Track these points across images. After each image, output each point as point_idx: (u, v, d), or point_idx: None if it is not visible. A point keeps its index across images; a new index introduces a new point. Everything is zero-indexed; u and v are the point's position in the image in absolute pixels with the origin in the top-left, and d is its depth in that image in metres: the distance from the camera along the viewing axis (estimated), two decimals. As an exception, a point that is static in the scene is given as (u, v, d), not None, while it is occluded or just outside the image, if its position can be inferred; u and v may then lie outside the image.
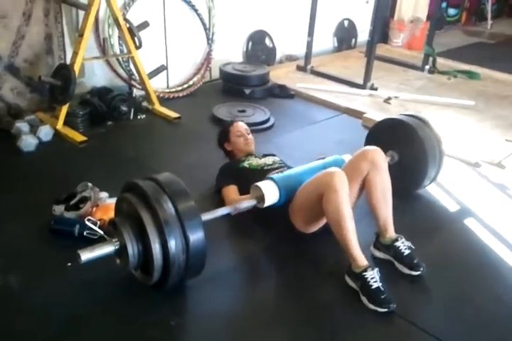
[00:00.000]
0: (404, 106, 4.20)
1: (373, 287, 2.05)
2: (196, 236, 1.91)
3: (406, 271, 2.25)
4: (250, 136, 2.90)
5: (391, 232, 2.33)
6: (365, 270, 2.09)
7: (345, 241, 2.13)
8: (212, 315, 2.01)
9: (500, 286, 2.25)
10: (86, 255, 1.88)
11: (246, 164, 2.70)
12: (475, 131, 3.82)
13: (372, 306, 2.04)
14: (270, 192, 2.32)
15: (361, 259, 2.13)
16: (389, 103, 4.28)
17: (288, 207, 2.39)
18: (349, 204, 2.16)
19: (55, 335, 1.87)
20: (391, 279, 2.23)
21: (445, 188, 3.03)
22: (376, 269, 2.10)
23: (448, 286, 2.24)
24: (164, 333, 1.90)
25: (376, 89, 4.48)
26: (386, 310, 2.02)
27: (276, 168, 2.62)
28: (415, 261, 2.24)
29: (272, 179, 2.37)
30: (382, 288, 2.05)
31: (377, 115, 3.78)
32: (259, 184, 2.34)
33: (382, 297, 2.03)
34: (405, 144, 2.79)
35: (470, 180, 3.19)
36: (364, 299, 2.07)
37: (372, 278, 2.07)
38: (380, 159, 2.36)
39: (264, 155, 2.81)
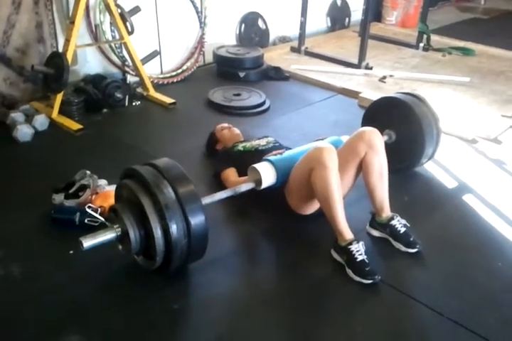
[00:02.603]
0: (400, 85, 4.18)
1: (358, 259, 2.09)
2: (197, 220, 1.92)
3: (403, 248, 2.27)
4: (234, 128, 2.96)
5: (387, 211, 2.35)
6: (351, 243, 2.13)
7: (332, 216, 2.16)
8: (214, 298, 2.03)
9: (499, 260, 2.27)
10: (88, 242, 1.90)
11: (240, 147, 2.72)
12: (471, 108, 3.81)
13: (357, 278, 2.08)
14: (267, 174, 2.34)
15: (347, 233, 2.16)
16: (384, 82, 4.26)
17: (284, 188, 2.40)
18: (338, 179, 2.17)
19: (58, 322, 1.89)
20: (389, 256, 2.27)
21: (442, 165, 3.04)
22: (361, 242, 2.15)
23: (447, 262, 2.26)
24: (168, 316, 1.93)
25: (371, 69, 4.46)
26: (371, 281, 2.06)
27: (271, 148, 2.63)
28: (411, 239, 2.27)
29: (269, 160, 2.39)
30: (366, 261, 2.10)
31: (373, 94, 3.77)
32: (257, 165, 2.35)
33: (367, 269, 2.08)
34: (402, 122, 2.79)
35: (467, 156, 3.19)
36: (349, 272, 2.11)
37: (357, 251, 2.11)
38: (376, 140, 2.36)
39: (258, 139, 2.82)
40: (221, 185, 2.60)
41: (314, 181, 2.18)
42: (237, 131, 2.96)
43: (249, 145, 2.72)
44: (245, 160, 2.54)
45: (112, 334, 1.86)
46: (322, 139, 2.63)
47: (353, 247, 2.12)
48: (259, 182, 2.34)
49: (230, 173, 2.63)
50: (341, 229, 2.16)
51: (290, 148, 2.64)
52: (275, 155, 2.46)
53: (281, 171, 2.36)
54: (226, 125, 3.01)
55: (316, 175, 2.17)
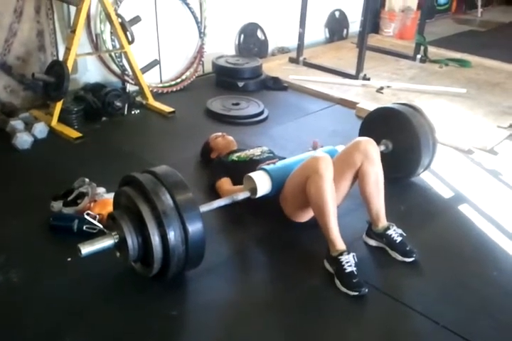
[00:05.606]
0: (397, 96, 4.22)
1: (347, 271, 2.09)
2: (195, 227, 1.94)
3: (399, 257, 2.29)
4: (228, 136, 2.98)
5: (383, 221, 2.36)
6: (341, 254, 2.13)
7: (325, 225, 2.17)
8: (211, 304, 2.04)
9: (495, 270, 2.29)
10: (86, 249, 1.91)
11: (235, 157, 2.74)
12: (467, 119, 3.84)
13: (344, 289, 2.08)
14: (262, 183, 2.36)
15: (339, 243, 2.17)
16: (382, 93, 4.30)
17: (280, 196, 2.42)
18: (333, 189, 2.19)
19: (56, 328, 1.90)
20: (385, 265, 2.28)
21: (439, 175, 3.06)
22: (352, 254, 2.14)
23: (443, 271, 2.27)
24: (166, 323, 1.93)
25: (369, 79, 4.50)
26: (357, 293, 2.06)
27: (266, 158, 2.64)
28: (408, 248, 2.29)
29: (264, 169, 2.40)
30: (355, 273, 2.10)
31: (370, 105, 3.80)
32: (252, 174, 2.37)
33: (354, 281, 2.08)
34: (399, 133, 2.82)
35: (463, 166, 3.21)
36: (337, 282, 2.11)
37: (347, 262, 2.11)
38: (372, 150, 2.37)
39: (252, 148, 2.83)
40: (218, 195, 2.61)
41: (309, 190, 2.20)
42: (230, 138, 2.98)
43: (243, 155, 2.73)
44: (240, 169, 2.55)
45: (111, 340, 1.86)
46: (315, 148, 2.64)
47: (343, 258, 2.12)
48: (254, 190, 2.36)
49: (224, 182, 2.64)
50: (333, 238, 2.17)
51: (284, 158, 2.63)
52: (269, 164, 2.47)
53: (276, 180, 2.38)
54: (220, 133, 3.03)
55: (311, 184, 2.19)
